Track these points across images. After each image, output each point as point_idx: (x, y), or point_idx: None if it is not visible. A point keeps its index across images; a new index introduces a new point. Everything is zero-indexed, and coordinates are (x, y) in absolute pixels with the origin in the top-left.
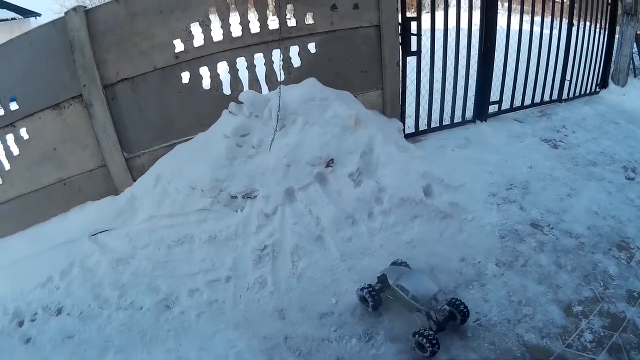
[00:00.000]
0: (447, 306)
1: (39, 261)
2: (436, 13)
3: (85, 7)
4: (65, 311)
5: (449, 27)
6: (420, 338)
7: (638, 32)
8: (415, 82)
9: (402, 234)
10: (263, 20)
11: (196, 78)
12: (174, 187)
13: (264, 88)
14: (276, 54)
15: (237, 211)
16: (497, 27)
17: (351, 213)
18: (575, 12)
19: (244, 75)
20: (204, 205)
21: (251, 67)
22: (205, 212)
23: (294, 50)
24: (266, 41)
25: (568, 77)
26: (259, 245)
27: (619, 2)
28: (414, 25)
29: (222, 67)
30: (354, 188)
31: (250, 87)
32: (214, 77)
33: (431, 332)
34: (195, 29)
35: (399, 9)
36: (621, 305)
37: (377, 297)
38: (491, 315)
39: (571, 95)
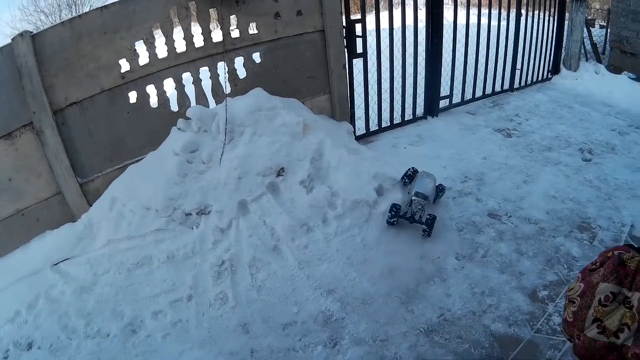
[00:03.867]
0: (420, 212)
1: (5, 296)
2: (381, 13)
3: (32, 32)
4: (35, 345)
5: (394, 26)
6: (393, 209)
7: (587, 17)
8: (363, 84)
9: (358, 237)
10: (207, 33)
11: (143, 97)
12: (129, 209)
13: (211, 102)
14: (222, 67)
15: (192, 228)
16: (445, 22)
17: (305, 220)
18: (524, 1)
19: (190, 90)
20: (159, 225)
21: (197, 82)
22: (162, 232)
23: (239, 62)
24: (211, 54)
25: (519, 66)
26: (217, 261)
27: None
28: (358, 27)
29: (169, 84)
30: (306, 195)
31: (197, 102)
32: (161, 94)
33: (399, 211)
34: (140, 47)
35: (343, 12)
36: None
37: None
38: (455, 309)
39: (523, 83)
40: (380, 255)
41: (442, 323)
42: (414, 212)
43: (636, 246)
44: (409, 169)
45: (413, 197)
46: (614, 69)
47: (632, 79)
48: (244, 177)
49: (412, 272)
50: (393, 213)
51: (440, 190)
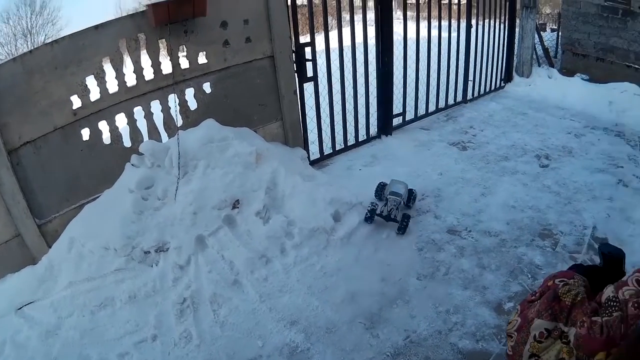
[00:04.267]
0: (395, 211)
1: None
2: (331, 32)
3: None
4: None
5: (345, 44)
6: (370, 206)
7: (539, 22)
8: (315, 108)
9: (317, 265)
10: (156, 65)
11: (96, 133)
12: (88, 250)
13: (164, 136)
14: (172, 99)
15: (152, 266)
16: (395, 37)
17: (263, 252)
18: (474, 12)
19: (142, 124)
20: (119, 265)
21: (149, 116)
22: (122, 272)
23: (189, 93)
24: (161, 87)
25: (471, 77)
26: (179, 299)
27: None
28: (308, 50)
29: (121, 119)
30: (263, 226)
31: (150, 137)
32: (114, 130)
33: (376, 210)
34: (91, 82)
35: (292, 36)
36: None
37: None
38: (421, 330)
39: (476, 94)
40: (341, 282)
41: (408, 345)
42: (390, 211)
43: (587, 264)
44: (379, 184)
45: (388, 196)
46: (567, 71)
47: (586, 80)
48: (199, 212)
49: (374, 296)
50: (370, 211)
51: (412, 194)
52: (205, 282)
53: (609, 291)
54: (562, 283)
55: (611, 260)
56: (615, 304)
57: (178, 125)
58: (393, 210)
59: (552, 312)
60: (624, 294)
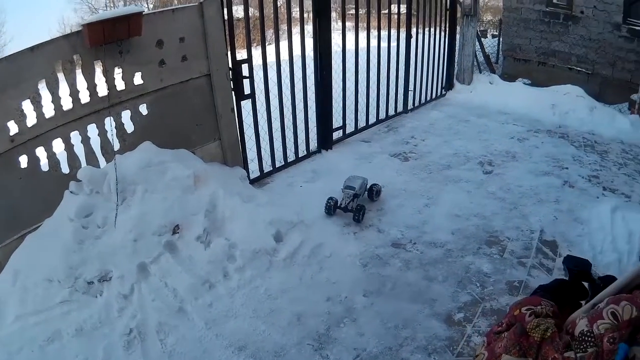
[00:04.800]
0: (351, 203)
1: None
2: (268, 48)
3: None
4: None
5: (282, 60)
6: (329, 201)
7: (480, 29)
8: (253, 126)
9: (261, 288)
10: (92, 87)
11: (34, 160)
12: (32, 282)
13: (102, 161)
14: (109, 122)
15: (96, 297)
16: (334, 49)
17: (206, 277)
18: (414, 21)
19: (80, 150)
20: (63, 297)
21: (86, 140)
22: (67, 304)
23: (126, 115)
24: (98, 110)
25: (411, 87)
26: (125, 330)
27: (458, 6)
28: (245, 67)
29: (58, 145)
30: (204, 250)
31: (88, 162)
32: (51, 156)
33: (337, 204)
34: (27, 106)
35: (229, 53)
36: (504, 299)
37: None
38: (370, 348)
39: (417, 103)
40: (286, 304)
41: None
42: (346, 203)
43: (553, 282)
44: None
45: (343, 189)
46: (509, 77)
47: (527, 84)
48: (140, 239)
49: (321, 316)
50: (329, 204)
51: (374, 186)
52: (150, 311)
53: (582, 324)
54: (529, 311)
55: (579, 273)
56: (590, 338)
57: (115, 150)
58: (348, 202)
59: (521, 348)
60: (598, 328)
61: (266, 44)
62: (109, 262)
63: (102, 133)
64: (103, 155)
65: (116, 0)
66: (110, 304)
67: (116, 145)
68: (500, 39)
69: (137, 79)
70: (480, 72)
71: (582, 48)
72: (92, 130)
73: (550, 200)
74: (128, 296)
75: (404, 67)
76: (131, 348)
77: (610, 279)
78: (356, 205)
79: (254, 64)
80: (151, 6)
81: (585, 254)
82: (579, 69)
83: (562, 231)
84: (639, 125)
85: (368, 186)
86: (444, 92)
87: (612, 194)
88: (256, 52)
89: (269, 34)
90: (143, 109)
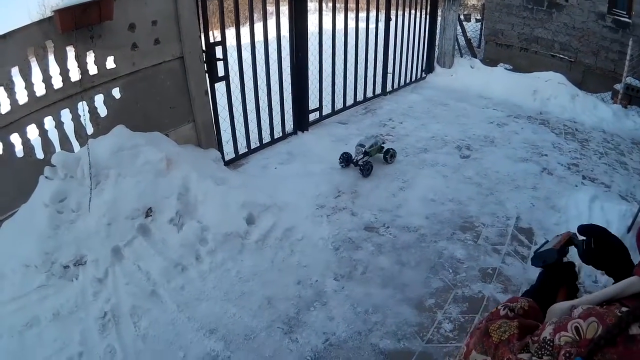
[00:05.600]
0: (360, 158)
1: None
2: (243, 29)
3: None
4: None
5: (257, 41)
6: (343, 155)
7: (464, 13)
8: (228, 107)
9: (232, 270)
10: (65, 73)
11: (8, 147)
12: (10, 269)
13: (75, 145)
14: (82, 107)
15: (72, 281)
16: (311, 30)
17: (179, 260)
18: (394, 3)
19: (54, 135)
20: (41, 282)
21: (60, 125)
22: (45, 288)
23: (99, 99)
24: (70, 95)
25: (390, 69)
26: (100, 313)
27: None
28: (219, 49)
29: (32, 131)
30: (177, 233)
31: (62, 147)
32: (25, 142)
33: (350, 158)
34: (1, 94)
35: (202, 35)
36: (476, 286)
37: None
38: (340, 332)
39: (396, 86)
40: (257, 287)
41: (328, 348)
42: (356, 158)
43: (537, 281)
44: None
45: (356, 146)
46: (490, 61)
47: (509, 70)
48: (113, 223)
49: (291, 299)
50: (343, 157)
51: (390, 150)
52: (123, 295)
53: (548, 331)
54: (504, 307)
55: (550, 267)
56: (549, 347)
57: (89, 134)
58: (359, 159)
59: (483, 346)
60: (559, 339)
61: (240, 25)
62: (83, 246)
63: (76, 118)
64: (77, 140)
65: None
66: (85, 288)
67: (89, 130)
68: (483, 24)
69: (110, 63)
70: (462, 56)
71: (566, 36)
72: (66, 115)
73: (527, 187)
74: (102, 280)
75: (382, 49)
76: (106, 331)
77: (588, 228)
78: (364, 161)
79: (228, 46)
80: None
81: None
82: (561, 56)
83: (539, 218)
84: (621, 114)
85: (384, 149)
86: (424, 75)
87: (591, 183)
88: (230, 34)
89: (244, 15)
90: (116, 93)
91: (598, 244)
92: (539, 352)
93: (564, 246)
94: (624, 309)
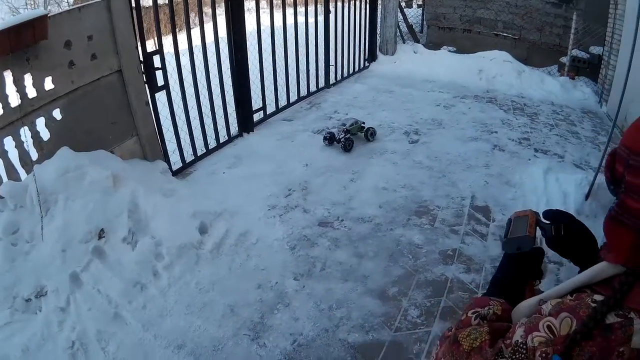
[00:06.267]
0: (342, 135)
1: None
2: (180, 36)
3: None
4: None
5: (195, 46)
6: (327, 134)
7: (401, 2)
8: (170, 117)
9: (191, 282)
10: (4, 99)
11: None
12: None
13: (22, 173)
14: (24, 132)
15: (36, 313)
16: (250, 29)
17: (137, 279)
18: None
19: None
20: (5, 319)
21: (4, 155)
22: (10, 326)
23: (40, 123)
24: (12, 121)
25: (332, 62)
26: (68, 343)
27: None
28: (157, 58)
29: None
30: (132, 252)
31: (9, 176)
32: None
33: (333, 136)
34: None
35: (139, 46)
36: (438, 269)
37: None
38: (307, 332)
39: (340, 77)
40: (218, 296)
41: (297, 349)
42: (338, 137)
43: (502, 268)
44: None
45: (338, 127)
46: (433, 45)
47: (452, 52)
48: (68, 248)
49: (254, 304)
50: (326, 136)
51: (370, 129)
52: (88, 321)
53: (519, 333)
54: (475, 315)
55: (523, 254)
56: (522, 350)
57: (33, 160)
58: (340, 137)
59: (453, 355)
60: (532, 341)
61: (177, 32)
62: (42, 276)
63: (19, 144)
64: (23, 167)
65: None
66: (50, 320)
67: (34, 155)
68: (425, 9)
69: (48, 84)
70: (404, 42)
71: (509, 14)
72: (9, 143)
73: (479, 166)
74: (65, 308)
75: (324, 42)
76: None
77: (555, 214)
78: (346, 138)
79: (166, 53)
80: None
81: None
82: (505, 34)
83: (494, 195)
84: (569, 86)
85: (365, 128)
86: (367, 65)
87: (544, 155)
88: (168, 42)
89: (180, 21)
90: (57, 114)
91: (567, 231)
92: (514, 357)
93: (535, 230)
94: (595, 296)
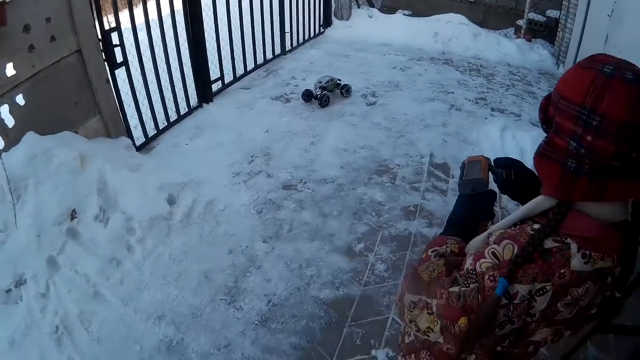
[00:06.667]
0: (321, 91)
1: None
2: (135, 12)
3: None
4: None
5: (152, 20)
6: (305, 91)
7: None
8: (131, 92)
9: (165, 254)
10: None
11: None
12: None
13: None
14: None
15: (17, 303)
16: (204, 1)
17: (112, 255)
18: None
19: None
20: None
21: None
22: None
23: (4, 110)
24: None
25: (287, 28)
26: (52, 329)
27: None
28: (115, 35)
29: None
30: (104, 229)
31: None
32: None
33: (310, 93)
34: None
35: (97, 24)
36: (401, 224)
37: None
38: (280, 292)
39: (295, 44)
40: (192, 265)
41: (272, 309)
42: (315, 93)
43: (458, 207)
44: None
45: (314, 84)
46: (389, 9)
47: (408, 15)
48: (42, 233)
49: (227, 269)
50: (305, 93)
51: (345, 86)
52: (69, 303)
53: (468, 262)
54: (434, 253)
55: (477, 195)
56: (472, 276)
57: (0, 148)
58: (317, 93)
59: (415, 288)
60: (480, 266)
61: (134, 7)
62: (20, 264)
63: None
64: None
65: None
66: (32, 307)
67: (0, 144)
68: None
69: (10, 70)
70: (359, 7)
71: None
72: None
73: (437, 125)
74: (45, 294)
75: (278, 8)
76: (62, 345)
77: (505, 160)
78: (322, 94)
79: (124, 29)
80: None
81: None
82: None
83: (452, 153)
84: (525, 48)
85: (340, 84)
86: (322, 30)
87: (500, 114)
88: (124, 17)
89: None
90: (20, 100)
91: (517, 176)
92: (466, 282)
93: (488, 174)
94: (535, 225)
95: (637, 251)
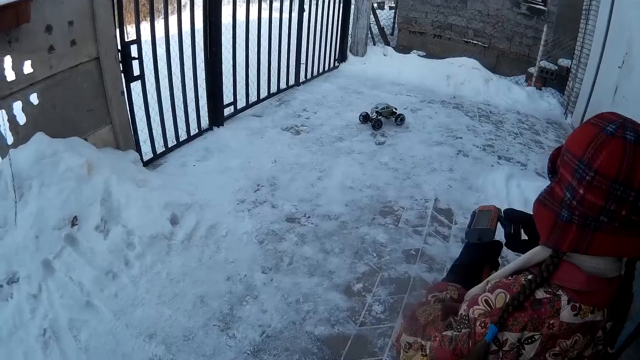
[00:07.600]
0: (376, 115)
1: None
2: (156, 27)
3: None
4: None
5: (171, 39)
6: (362, 114)
7: (377, 1)
8: (144, 107)
9: (163, 272)
10: None
11: None
12: None
13: None
14: (1, 116)
15: (8, 300)
16: (225, 22)
17: (109, 267)
18: None
19: None
20: None
21: None
22: None
23: (17, 107)
24: None
25: (303, 60)
26: (40, 331)
27: None
28: (134, 48)
29: None
30: (104, 240)
31: None
32: None
33: (367, 117)
34: None
35: (117, 34)
36: (401, 267)
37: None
38: (275, 324)
39: (309, 76)
40: (189, 287)
41: (266, 340)
42: (371, 117)
43: (462, 256)
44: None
45: (372, 108)
46: (403, 49)
47: (422, 56)
48: (41, 235)
49: (223, 296)
50: (362, 115)
51: (400, 115)
52: (60, 309)
53: (462, 308)
54: (434, 299)
55: (484, 244)
56: (465, 321)
57: (9, 145)
58: (372, 116)
59: (411, 329)
60: (473, 313)
61: (155, 21)
62: (14, 262)
63: None
64: None
65: None
66: (21, 306)
67: (10, 140)
68: (397, 12)
69: (27, 68)
70: (375, 44)
71: (480, 23)
72: None
73: (444, 170)
74: (37, 295)
75: (295, 39)
76: (49, 349)
77: (515, 214)
78: (376, 119)
79: (143, 41)
80: None
81: None
82: (475, 42)
83: (457, 199)
84: (535, 96)
85: (396, 113)
86: (337, 64)
87: (507, 162)
88: (145, 30)
89: (157, 9)
90: (34, 99)
91: (526, 233)
92: (459, 327)
93: (496, 225)
94: (529, 276)
95: (629, 306)
